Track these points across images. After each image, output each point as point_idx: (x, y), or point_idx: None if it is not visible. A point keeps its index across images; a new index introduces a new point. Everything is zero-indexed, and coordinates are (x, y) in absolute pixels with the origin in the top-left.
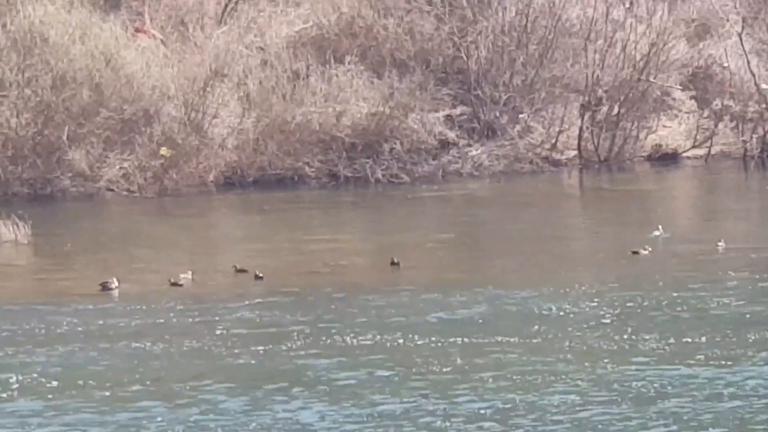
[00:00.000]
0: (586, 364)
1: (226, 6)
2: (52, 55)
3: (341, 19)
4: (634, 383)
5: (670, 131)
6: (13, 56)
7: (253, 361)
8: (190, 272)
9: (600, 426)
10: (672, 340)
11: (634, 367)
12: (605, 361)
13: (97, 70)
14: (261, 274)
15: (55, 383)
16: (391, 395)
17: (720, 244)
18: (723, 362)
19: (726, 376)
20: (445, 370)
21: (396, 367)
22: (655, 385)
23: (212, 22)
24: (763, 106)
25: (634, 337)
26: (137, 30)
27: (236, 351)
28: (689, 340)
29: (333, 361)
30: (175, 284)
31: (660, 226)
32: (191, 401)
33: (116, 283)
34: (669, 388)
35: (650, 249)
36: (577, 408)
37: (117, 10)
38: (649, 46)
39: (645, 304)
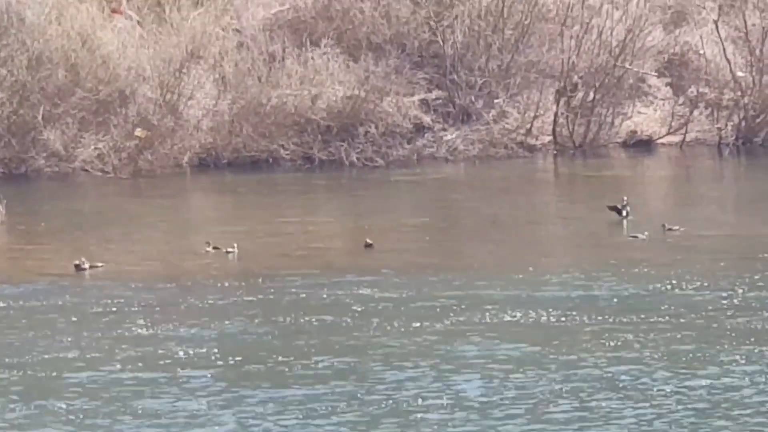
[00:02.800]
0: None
1: None
2: (28, 36)
3: (318, 2)
4: None
5: (646, 118)
6: None
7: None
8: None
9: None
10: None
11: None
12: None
13: (72, 50)
14: (231, 249)
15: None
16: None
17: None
18: None
19: None
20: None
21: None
22: None
23: (188, 4)
24: (738, 93)
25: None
26: (113, 11)
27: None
28: None
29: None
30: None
31: (625, 198)
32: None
33: (87, 264)
34: None
35: (647, 234)
36: (728, 389)
37: None
38: (625, 33)
39: (662, 287)
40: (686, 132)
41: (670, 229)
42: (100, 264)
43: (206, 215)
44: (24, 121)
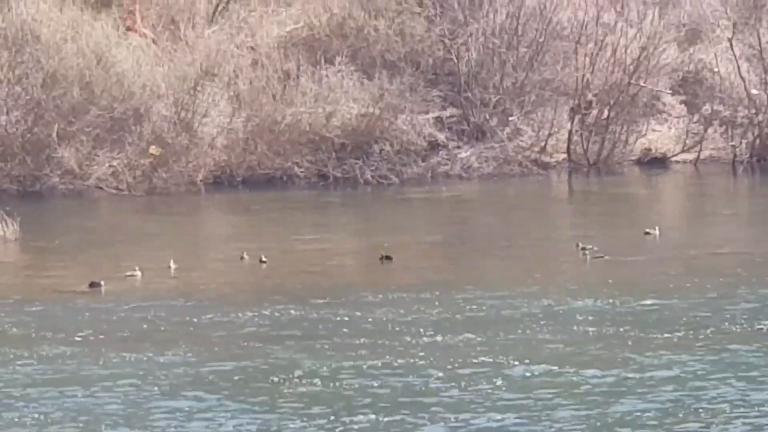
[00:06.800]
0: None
1: (218, 6)
2: (43, 53)
3: (332, 20)
4: None
5: (660, 135)
6: (5, 54)
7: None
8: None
9: None
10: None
11: None
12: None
13: (87, 68)
14: (265, 259)
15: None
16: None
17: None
18: None
19: None
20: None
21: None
22: None
23: (203, 22)
24: (753, 111)
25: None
26: (128, 29)
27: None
28: None
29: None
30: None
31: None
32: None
33: (103, 281)
34: None
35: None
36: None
37: (108, 9)
38: (639, 50)
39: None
40: (700, 150)
41: (583, 249)
42: (134, 272)
43: (221, 233)
44: (38, 138)
